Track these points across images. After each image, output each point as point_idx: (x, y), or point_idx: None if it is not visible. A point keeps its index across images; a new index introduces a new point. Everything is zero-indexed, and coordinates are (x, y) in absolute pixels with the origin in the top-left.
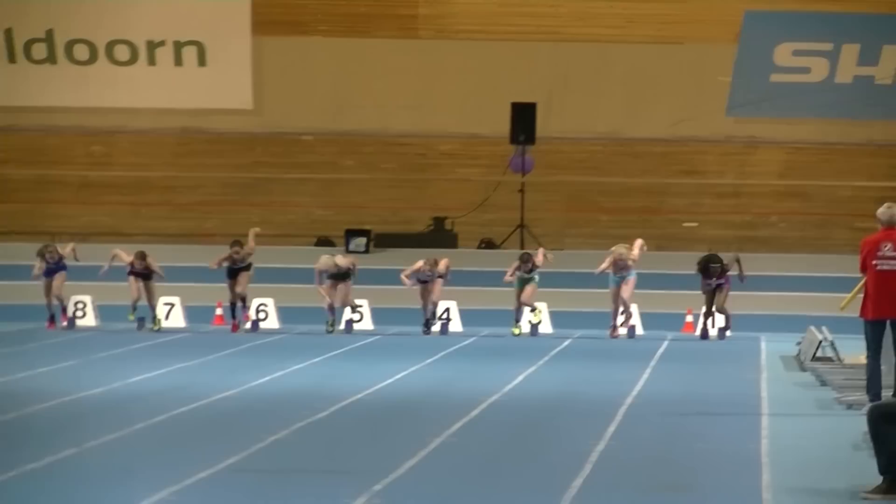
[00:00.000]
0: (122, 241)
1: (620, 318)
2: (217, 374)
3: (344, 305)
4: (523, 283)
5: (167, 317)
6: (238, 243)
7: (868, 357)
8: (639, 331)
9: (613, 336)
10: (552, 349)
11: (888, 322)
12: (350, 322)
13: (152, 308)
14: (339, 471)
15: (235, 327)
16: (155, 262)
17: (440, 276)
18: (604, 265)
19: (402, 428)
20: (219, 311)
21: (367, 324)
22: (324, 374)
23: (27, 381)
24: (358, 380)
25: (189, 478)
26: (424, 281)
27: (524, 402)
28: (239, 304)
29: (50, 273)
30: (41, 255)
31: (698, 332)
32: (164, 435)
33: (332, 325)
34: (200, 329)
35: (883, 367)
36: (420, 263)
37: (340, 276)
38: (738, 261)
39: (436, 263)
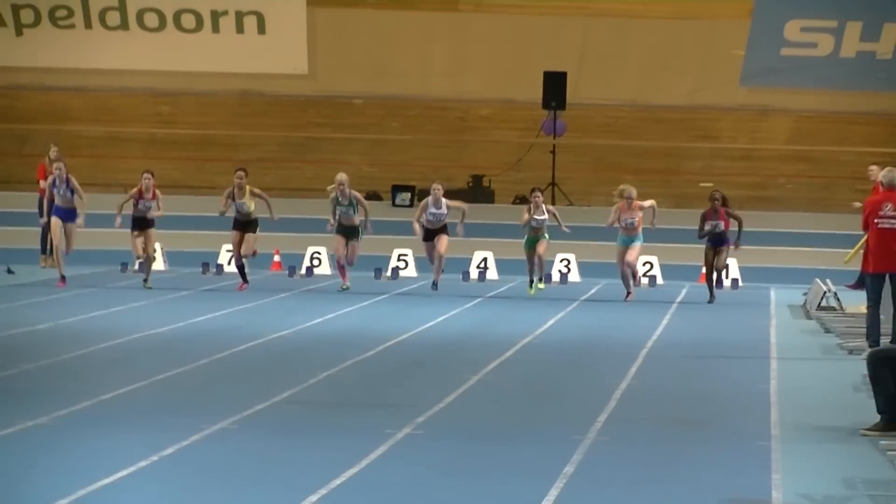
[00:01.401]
0: (186, 192)
1: (631, 284)
2: (273, 315)
3: (350, 264)
4: (533, 241)
5: (229, 262)
6: (243, 170)
7: (868, 307)
8: (659, 280)
9: (628, 301)
10: (580, 296)
11: (887, 275)
12: (396, 269)
13: (149, 260)
14: (386, 404)
15: (242, 286)
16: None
17: (445, 230)
18: (611, 217)
19: (443, 366)
20: (276, 258)
21: (411, 271)
22: (371, 317)
23: (101, 320)
24: (402, 322)
25: (248, 409)
26: (431, 232)
27: (554, 344)
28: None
29: (62, 214)
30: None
31: (707, 296)
32: (225, 370)
33: (346, 287)
34: (259, 274)
35: (882, 317)
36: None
37: (350, 231)
38: (739, 223)
39: (440, 192)
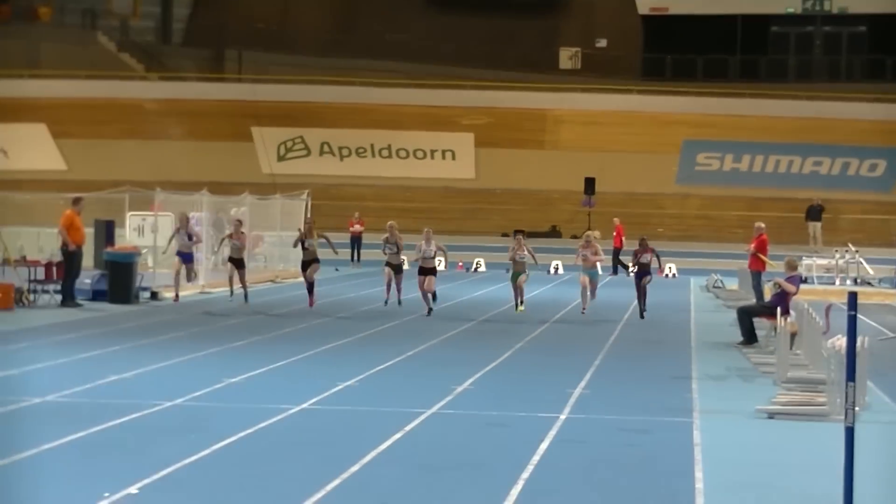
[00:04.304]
0: (416, 238)
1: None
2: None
3: (398, 290)
4: (517, 276)
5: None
6: (311, 218)
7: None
8: (674, 272)
9: (584, 312)
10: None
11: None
12: (556, 268)
13: (244, 288)
14: (510, 334)
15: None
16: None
17: (434, 272)
18: (578, 255)
19: (538, 317)
20: (460, 264)
21: (561, 270)
22: (546, 293)
23: (371, 295)
24: (488, 302)
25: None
26: (424, 270)
27: (589, 309)
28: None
29: (183, 258)
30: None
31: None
32: (415, 324)
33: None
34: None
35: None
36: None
37: (397, 268)
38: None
39: (430, 234)
